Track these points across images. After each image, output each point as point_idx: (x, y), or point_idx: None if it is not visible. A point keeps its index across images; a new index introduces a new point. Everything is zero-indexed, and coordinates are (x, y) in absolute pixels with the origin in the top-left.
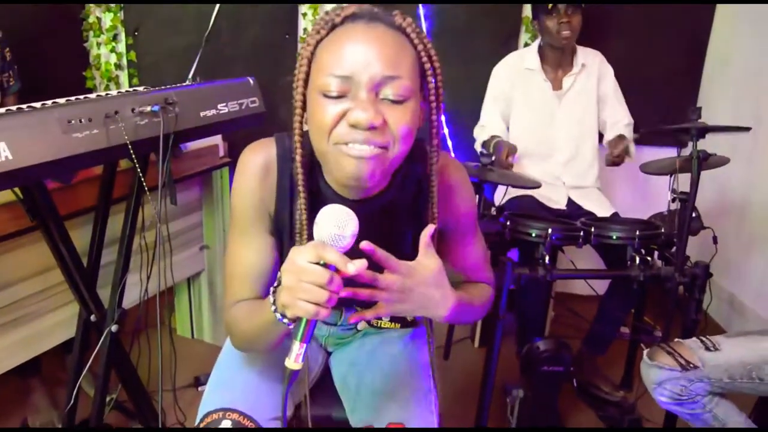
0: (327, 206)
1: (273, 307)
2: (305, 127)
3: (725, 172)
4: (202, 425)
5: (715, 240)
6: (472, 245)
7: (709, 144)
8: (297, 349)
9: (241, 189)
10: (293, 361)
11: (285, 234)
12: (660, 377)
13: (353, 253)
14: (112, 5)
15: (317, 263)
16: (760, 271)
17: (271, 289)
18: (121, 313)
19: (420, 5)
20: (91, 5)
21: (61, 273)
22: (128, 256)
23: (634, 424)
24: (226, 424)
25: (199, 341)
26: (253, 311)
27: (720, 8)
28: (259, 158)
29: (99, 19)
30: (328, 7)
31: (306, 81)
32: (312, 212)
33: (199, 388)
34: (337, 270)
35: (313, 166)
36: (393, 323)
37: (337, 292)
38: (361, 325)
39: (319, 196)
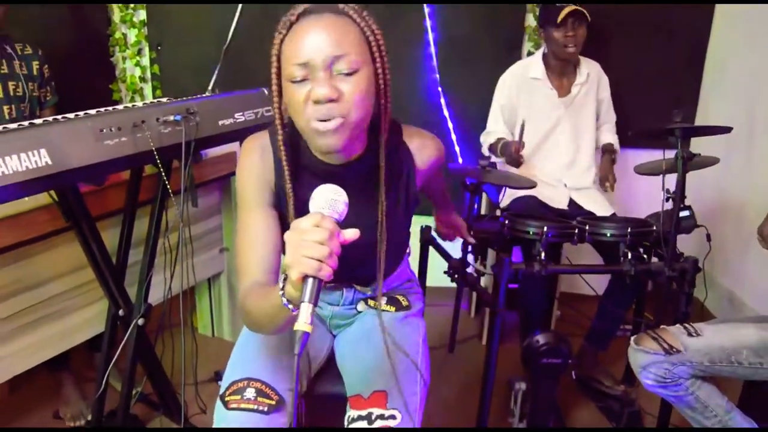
0: (321, 185)
1: (281, 292)
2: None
3: (724, 173)
4: (228, 392)
5: (708, 238)
6: (442, 180)
7: (708, 146)
8: (305, 310)
9: (243, 168)
10: (303, 323)
11: (284, 204)
12: (645, 361)
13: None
14: (137, 21)
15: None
16: (757, 270)
17: (281, 276)
18: (146, 308)
19: (425, 5)
20: (117, 21)
21: (92, 270)
22: (153, 254)
23: (634, 416)
24: (250, 392)
25: (219, 339)
26: (264, 296)
27: (717, 15)
28: (255, 143)
29: (124, 35)
30: None
31: (279, 73)
32: (298, 179)
33: (219, 383)
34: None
35: (299, 141)
36: (389, 306)
37: (336, 253)
38: (361, 306)
39: (307, 165)
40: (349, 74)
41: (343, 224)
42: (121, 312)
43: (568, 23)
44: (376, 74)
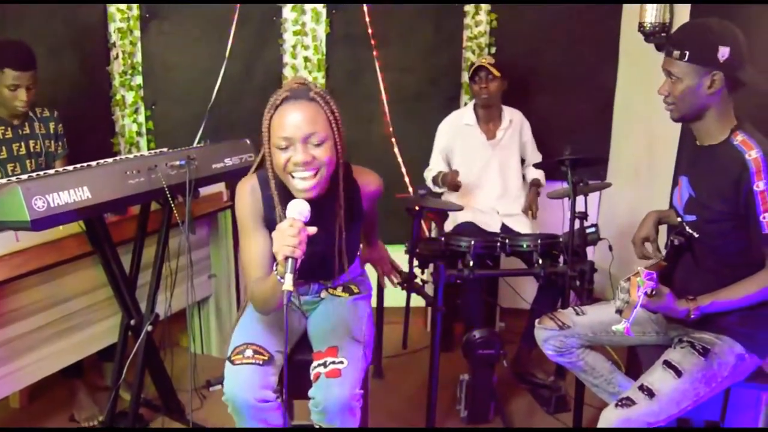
0: (292, 201)
1: (275, 272)
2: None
3: (635, 195)
4: (233, 354)
5: (610, 248)
6: (376, 211)
7: (623, 175)
8: (289, 278)
9: (240, 204)
10: (288, 285)
11: (270, 225)
12: (545, 335)
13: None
14: (134, 85)
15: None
16: None
17: (274, 265)
18: (155, 317)
19: (377, 69)
20: (117, 85)
21: (111, 286)
22: (160, 271)
23: (560, 400)
24: (249, 351)
25: (208, 356)
26: (264, 281)
27: (621, 66)
28: (248, 185)
29: (123, 96)
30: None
31: (269, 140)
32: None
33: (210, 389)
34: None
35: (283, 184)
36: (344, 293)
37: (304, 241)
38: (324, 294)
39: (288, 198)
40: (318, 144)
41: (311, 237)
42: (132, 321)
43: (481, 77)
44: (335, 142)
